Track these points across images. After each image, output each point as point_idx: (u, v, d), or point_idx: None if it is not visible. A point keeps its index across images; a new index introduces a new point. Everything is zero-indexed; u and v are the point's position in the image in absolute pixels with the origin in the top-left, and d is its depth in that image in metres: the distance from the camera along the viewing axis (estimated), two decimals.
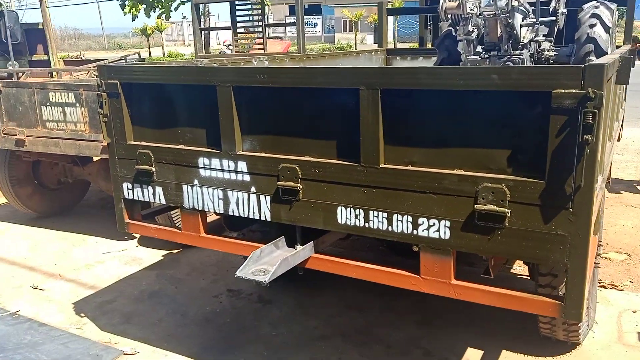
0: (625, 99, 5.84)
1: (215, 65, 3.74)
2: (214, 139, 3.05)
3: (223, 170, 3.04)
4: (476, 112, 2.41)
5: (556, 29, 5.08)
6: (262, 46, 8.25)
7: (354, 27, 41.43)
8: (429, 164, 2.53)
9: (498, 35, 4.59)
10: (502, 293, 2.47)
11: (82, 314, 4.35)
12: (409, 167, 2.56)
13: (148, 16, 19.94)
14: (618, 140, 5.53)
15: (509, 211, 2.33)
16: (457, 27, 4.75)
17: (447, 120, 2.48)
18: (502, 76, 2.24)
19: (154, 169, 3.26)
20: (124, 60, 11.50)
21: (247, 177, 2.97)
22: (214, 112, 2.97)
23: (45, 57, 9.10)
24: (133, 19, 21.14)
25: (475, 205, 2.39)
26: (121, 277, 5.02)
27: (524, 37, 4.62)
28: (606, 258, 5.12)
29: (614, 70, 2.52)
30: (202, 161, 3.09)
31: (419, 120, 2.54)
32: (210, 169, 3.07)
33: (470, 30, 4.65)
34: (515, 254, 2.38)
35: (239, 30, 8.62)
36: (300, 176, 2.80)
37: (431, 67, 2.49)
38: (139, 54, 12.66)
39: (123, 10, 20.45)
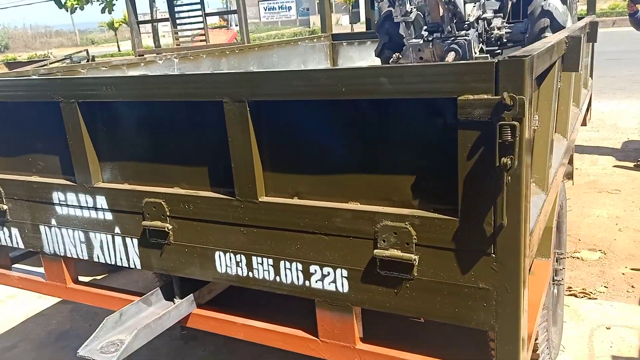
0: (591, 76, 5.27)
1: (55, 76, 3.09)
2: (68, 168, 2.43)
3: (81, 207, 2.42)
4: (370, 126, 1.81)
5: (510, 3, 4.47)
6: (204, 37, 7.56)
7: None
8: (318, 195, 1.93)
9: (440, 14, 3.98)
10: None
11: None
12: (294, 201, 1.96)
13: (82, 8, 18.96)
14: (584, 124, 4.97)
15: (417, 257, 1.75)
16: (394, 8, 4.13)
17: (336, 137, 1.88)
18: (394, 80, 1.63)
19: (5, 207, 2.64)
20: (68, 60, 10.71)
21: (108, 216, 2.36)
22: (63, 134, 2.36)
23: None
24: (72, 12, 20.11)
25: (375, 251, 1.81)
26: (30, 315, 4.40)
27: (469, 15, 4.01)
28: (578, 258, 4.58)
29: (550, 61, 1.92)
30: (56, 196, 2.47)
31: (300, 139, 1.94)
32: (67, 205, 2.46)
33: (409, 10, 4.04)
34: (428, 313, 1.80)
35: (178, 21, 7.89)
36: (168, 214, 2.20)
37: (306, 71, 1.90)
38: (87, 52, 11.88)
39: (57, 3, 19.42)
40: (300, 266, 1.98)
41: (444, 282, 1.74)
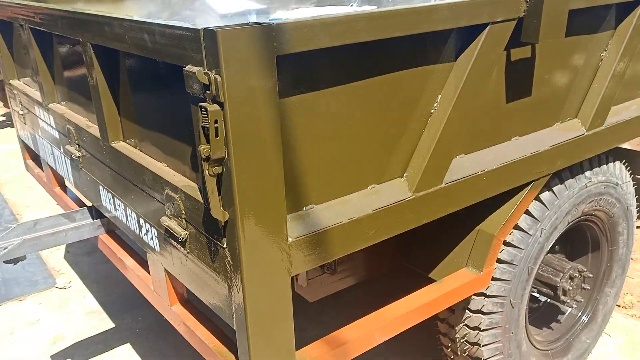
0: None
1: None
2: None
3: (44, 122, 2.70)
4: (152, 84, 1.70)
5: None
6: None
7: None
8: (146, 149, 1.87)
9: None
10: (203, 337, 1.79)
11: None
12: (126, 149, 1.93)
13: None
14: None
15: (187, 234, 1.62)
16: None
17: (148, 90, 1.79)
18: (152, 37, 1.46)
19: None
20: None
21: (56, 134, 2.59)
22: None
23: None
24: None
25: (162, 217, 1.71)
26: None
27: None
28: None
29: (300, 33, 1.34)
30: (37, 110, 2.79)
31: (133, 88, 1.87)
32: (41, 120, 2.76)
33: None
34: (202, 297, 1.67)
35: None
36: (76, 141, 2.34)
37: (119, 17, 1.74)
38: None
39: None
40: (135, 215, 1.97)
41: (198, 266, 1.60)
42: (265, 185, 1.36)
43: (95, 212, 2.53)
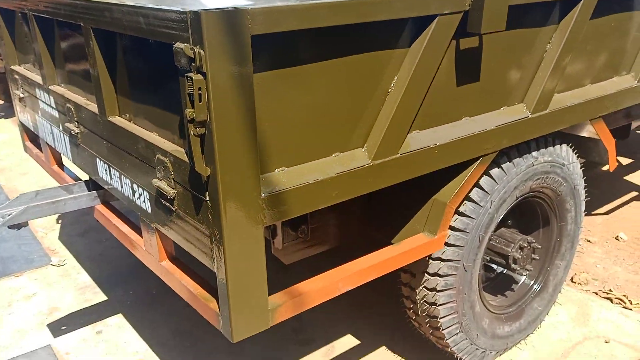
0: None
1: None
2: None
3: (44, 103, 2.94)
4: (145, 63, 1.96)
5: None
6: None
7: None
8: (139, 122, 2.13)
9: None
10: (188, 286, 2.04)
11: None
12: (121, 122, 2.18)
13: None
14: None
15: (175, 192, 1.87)
16: None
17: (141, 69, 2.04)
18: (147, 19, 1.71)
19: None
20: None
21: (55, 113, 2.83)
22: None
23: None
24: None
25: (153, 179, 1.97)
26: None
27: None
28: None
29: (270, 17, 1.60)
30: (38, 92, 3.03)
31: (127, 68, 2.12)
32: (41, 101, 3.00)
33: None
34: (188, 248, 1.93)
35: None
36: (75, 118, 2.58)
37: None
38: None
39: None
40: (129, 182, 2.22)
41: (185, 220, 1.85)
42: (241, 146, 1.62)
43: (92, 185, 2.78)
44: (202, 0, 1.89)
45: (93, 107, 2.37)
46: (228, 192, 1.62)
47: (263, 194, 1.72)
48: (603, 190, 4.76)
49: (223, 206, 1.64)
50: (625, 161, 5.44)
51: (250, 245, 1.74)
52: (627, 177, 5.09)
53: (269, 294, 1.90)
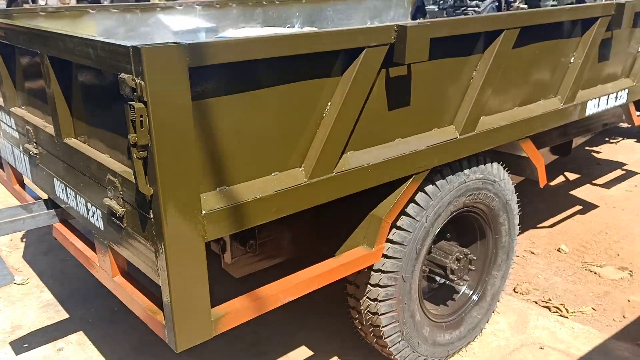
0: None
1: None
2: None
3: (5, 124, 3.05)
4: (97, 89, 2.13)
5: None
6: None
7: None
8: (93, 144, 2.27)
9: None
10: (138, 300, 2.18)
11: None
12: (74, 144, 2.33)
13: None
14: None
15: (124, 211, 2.02)
16: None
17: (93, 94, 2.20)
18: (95, 51, 1.87)
19: None
20: None
21: (15, 134, 2.95)
22: None
23: None
24: None
25: (104, 199, 2.11)
26: None
27: None
28: (594, 272, 4.06)
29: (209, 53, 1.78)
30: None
31: (81, 92, 2.27)
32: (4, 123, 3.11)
33: None
34: (136, 263, 2.07)
35: None
36: (34, 140, 2.70)
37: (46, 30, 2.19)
38: None
39: None
40: (84, 201, 2.35)
41: (134, 237, 2.00)
42: (181, 168, 1.78)
43: (51, 204, 2.89)
44: (171, 27, 2.06)
45: (50, 129, 2.50)
46: (169, 210, 1.78)
47: (204, 211, 1.88)
48: (548, 204, 5.02)
49: (165, 223, 1.79)
50: (572, 176, 5.73)
51: (192, 259, 1.89)
52: (572, 192, 5.37)
53: (223, 304, 2.05)
